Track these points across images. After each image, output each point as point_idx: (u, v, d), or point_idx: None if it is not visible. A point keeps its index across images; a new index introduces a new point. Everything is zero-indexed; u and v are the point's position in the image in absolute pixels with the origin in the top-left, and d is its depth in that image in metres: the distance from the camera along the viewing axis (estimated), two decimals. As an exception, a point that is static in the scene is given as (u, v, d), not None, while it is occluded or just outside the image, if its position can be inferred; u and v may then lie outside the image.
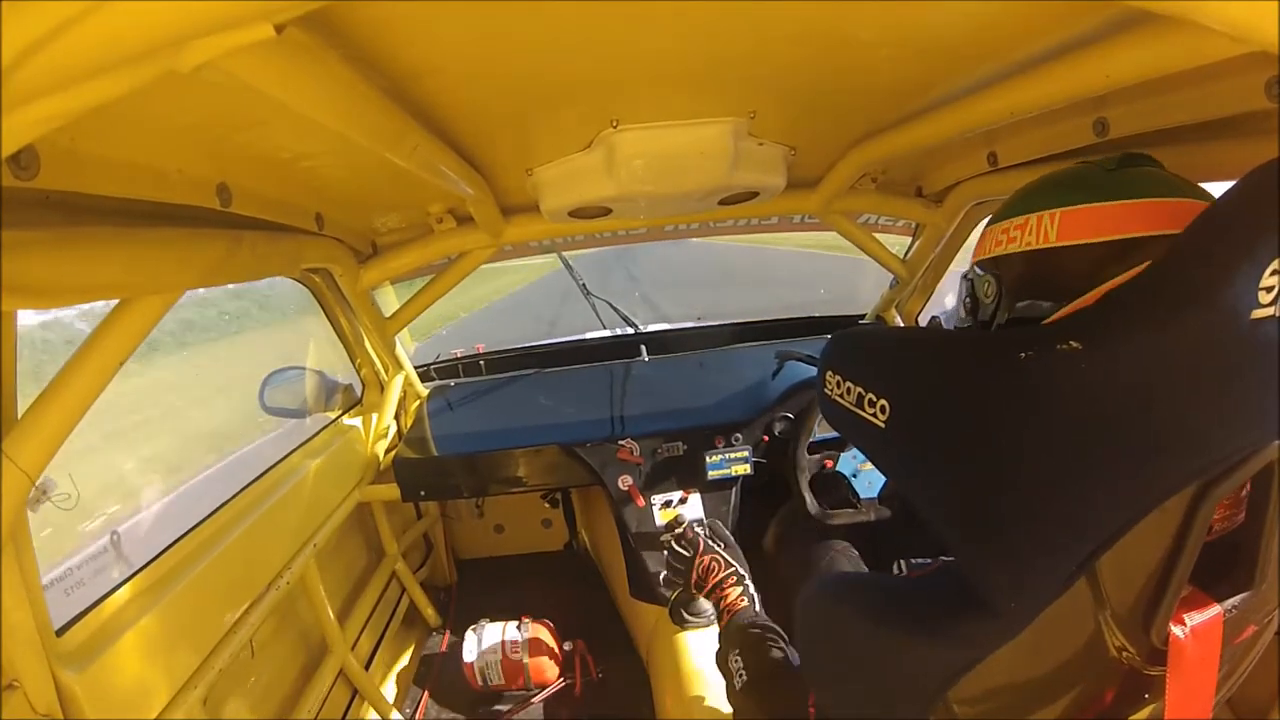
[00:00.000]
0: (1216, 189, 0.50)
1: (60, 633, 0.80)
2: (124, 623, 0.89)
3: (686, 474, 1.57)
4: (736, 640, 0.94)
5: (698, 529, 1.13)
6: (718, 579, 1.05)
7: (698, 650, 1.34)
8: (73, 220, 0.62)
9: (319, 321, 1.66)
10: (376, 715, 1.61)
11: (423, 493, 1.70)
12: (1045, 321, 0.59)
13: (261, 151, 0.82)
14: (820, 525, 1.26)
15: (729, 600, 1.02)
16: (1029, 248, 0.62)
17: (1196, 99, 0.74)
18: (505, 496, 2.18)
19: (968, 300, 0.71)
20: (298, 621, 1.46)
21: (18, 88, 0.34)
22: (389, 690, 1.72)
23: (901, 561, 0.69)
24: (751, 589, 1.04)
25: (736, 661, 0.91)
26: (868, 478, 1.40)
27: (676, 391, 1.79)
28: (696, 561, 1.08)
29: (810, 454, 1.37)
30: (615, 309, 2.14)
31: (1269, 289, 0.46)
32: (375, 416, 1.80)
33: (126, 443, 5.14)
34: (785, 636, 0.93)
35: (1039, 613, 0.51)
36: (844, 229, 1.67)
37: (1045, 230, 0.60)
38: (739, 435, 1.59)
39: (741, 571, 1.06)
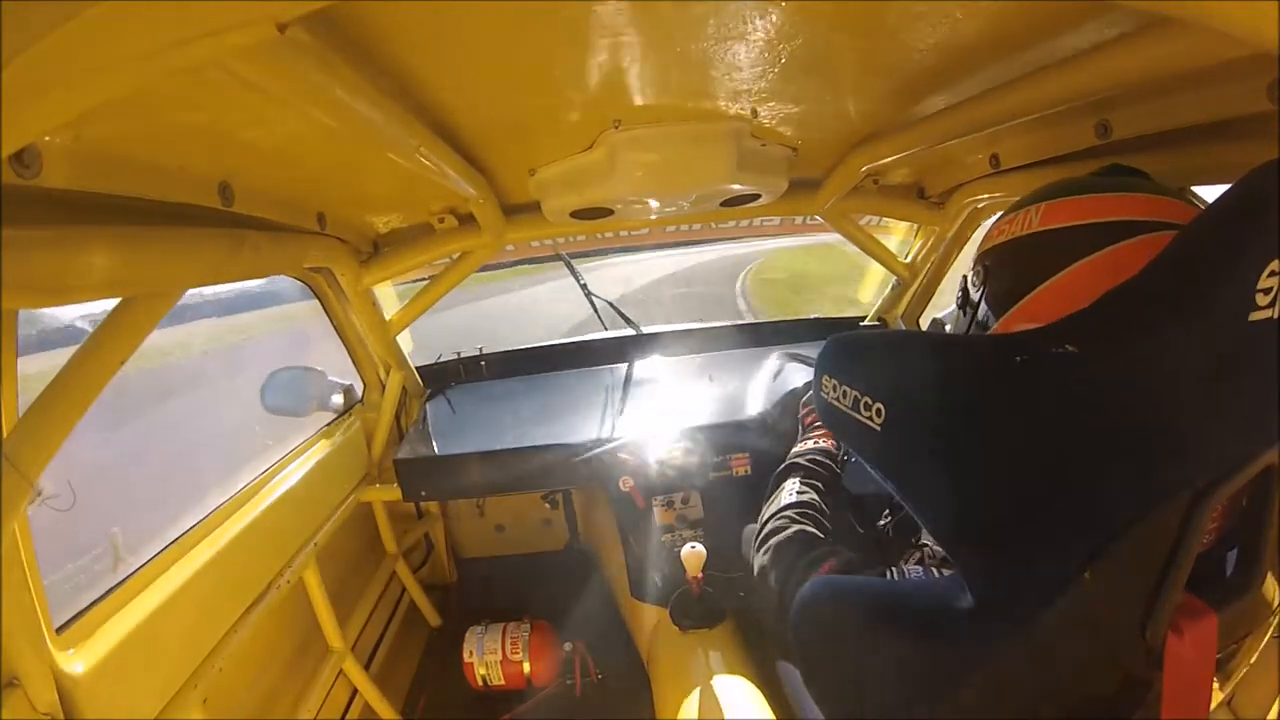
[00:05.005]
0: (1218, 191, 0.50)
1: (60, 631, 0.80)
2: (125, 622, 0.89)
3: (687, 475, 1.57)
4: (805, 470, 1.03)
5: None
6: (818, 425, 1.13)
7: (698, 651, 1.33)
8: (74, 219, 0.61)
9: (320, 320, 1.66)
10: (376, 715, 1.60)
11: (423, 492, 1.70)
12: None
13: (264, 151, 0.82)
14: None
15: (822, 432, 1.10)
16: (1014, 236, 0.64)
17: (1198, 101, 0.74)
18: (506, 496, 2.18)
19: (959, 295, 0.73)
20: (298, 621, 1.46)
21: (20, 85, 0.34)
22: (389, 690, 1.72)
23: (893, 569, 0.69)
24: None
25: (793, 484, 1.00)
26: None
27: (677, 392, 1.79)
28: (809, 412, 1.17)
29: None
30: (616, 309, 2.14)
31: (1267, 290, 0.45)
32: (376, 416, 1.80)
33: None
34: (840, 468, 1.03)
35: (1036, 616, 0.50)
36: (846, 230, 1.67)
37: (1030, 220, 0.63)
38: (739, 436, 1.58)
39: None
